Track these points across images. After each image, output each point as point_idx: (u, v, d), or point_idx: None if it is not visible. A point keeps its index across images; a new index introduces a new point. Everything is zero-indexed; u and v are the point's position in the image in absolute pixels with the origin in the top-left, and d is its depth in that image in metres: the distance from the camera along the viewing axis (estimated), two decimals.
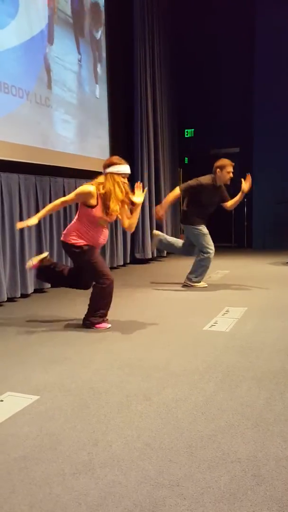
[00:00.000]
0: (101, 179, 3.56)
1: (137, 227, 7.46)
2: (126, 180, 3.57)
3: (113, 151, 6.69)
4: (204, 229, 5.19)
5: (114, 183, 3.49)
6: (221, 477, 1.66)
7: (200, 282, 5.26)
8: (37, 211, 5.15)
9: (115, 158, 3.60)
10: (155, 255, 7.92)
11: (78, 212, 3.63)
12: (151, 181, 7.75)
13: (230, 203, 5.21)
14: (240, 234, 9.66)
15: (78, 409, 2.23)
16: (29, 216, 4.98)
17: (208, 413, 2.16)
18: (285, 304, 4.37)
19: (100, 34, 6.82)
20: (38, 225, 5.19)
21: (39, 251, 5.17)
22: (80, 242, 3.56)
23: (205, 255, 5.16)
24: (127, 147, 7.39)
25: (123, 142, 7.52)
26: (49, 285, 5.27)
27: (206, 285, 5.26)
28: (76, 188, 3.92)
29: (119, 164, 3.53)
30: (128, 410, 2.21)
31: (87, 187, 3.50)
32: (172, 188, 8.77)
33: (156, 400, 2.32)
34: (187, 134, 9.95)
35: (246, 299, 4.58)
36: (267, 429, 2.00)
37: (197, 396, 2.35)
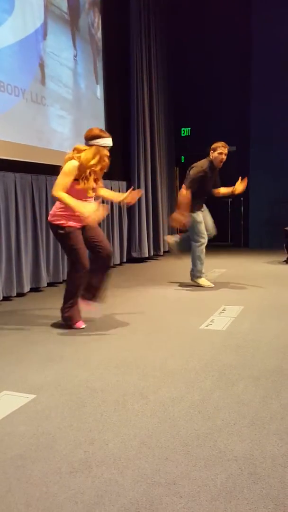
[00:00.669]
0: (83, 147, 3.48)
1: (133, 226, 7.50)
2: (107, 153, 3.53)
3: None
4: (199, 216, 5.12)
5: (98, 156, 3.44)
6: (217, 475, 1.67)
7: (201, 277, 5.25)
8: (33, 210, 5.15)
9: (98, 130, 3.53)
10: (151, 254, 7.92)
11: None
12: (147, 180, 7.75)
13: (221, 191, 5.15)
14: (236, 233, 9.67)
15: (75, 408, 2.23)
16: (25, 216, 4.98)
17: (204, 412, 2.16)
18: (281, 303, 4.38)
19: (97, 31, 6.80)
20: (34, 223, 5.18)
21: (35, 250, 5.17)
22: (65, 222, 3.48)
23: (196, 243, 5.13)
24: (124, 145, 7.38)
25: (119, 140, 7.49)
26: (45, 284, 5.27)
27: (213, 285, 5.21)
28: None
29: (104, 136, 3.49)
30: (124, 409, 2.21)
31: (73, 162, 3.42)
32: (169, 187, 8.84)
33: (152, 398, 2.32)
34: (183, 133, 9.95)
35: (243, 298, 4.59)
36: (263, 428, 2.01)
37: (193, 395, 2.35)
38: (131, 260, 7.50)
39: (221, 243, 9.47)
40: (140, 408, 2.22)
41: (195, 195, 5.06)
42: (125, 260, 7.39)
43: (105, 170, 3.63)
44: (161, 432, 1.99)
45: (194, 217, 5.09)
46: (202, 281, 5.23)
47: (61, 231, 3.51)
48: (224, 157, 5.02)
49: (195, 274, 5.25)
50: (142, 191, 3.68)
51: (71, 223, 3.51)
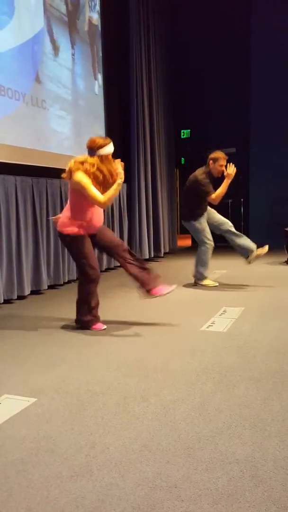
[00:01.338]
0: (91, 160, 3.47)
1: (134, 228, 7.50)
2: (110, 157, 3.55)
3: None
4: (203, 223, 5.19)
5: (109, 164, 3.46)
6: (219, 479, 1.66)
7: (206, 278, 5.29)
8: (34, 213, 5.15)
9: (101, 139, 3.53)
10: (152, 255, 7.92)
11: (70, 199, 3.55)
12: (147, 181, 7.76)
13: (214, 195, 5.14)
14: None
15: (76, 411, 2.23)
16: (26, 219, 4.99)
17: (205, 414, 2.16)
18: (282, 304, 4.37)
19: (95, 32, 6.81)
20: (35, 226, 5.18)
21: (36, 253, 5.16)
22: (73, 230, 3.50)
23: (203, 248, 5.22)
24: (124, 147, 7.39)
25: (119, 142, 7.50)
26: (46, 287, 5.27)
27: (217, 284, 5.27)
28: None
29: (108, 144, 3.50)
30: (125, 411, 2.21)
31: (80, 172, 3.41)
32: (169, 188, 8.83)
33: (153, 401, 2.31)
34: (183, 135, 9.96)
35: (244, 299, 4.58)
36: (264, 430, 2.00)
37: (194, 397, 2.35)
38: None
39: (221, 244, 9.45)
40: (141, 411, 2.21)
41: (197, 205, 5.17)
42: None
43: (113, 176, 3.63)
44: (162, 435, 1.98)
45: (197, 224, 5.16)
46: (206, 281, 5.28)
47: (70, 238, 3.52)
48: (223, 168, 5.09)
49: (198, 276, 5.29)
50: (119, 161, 3.64)
51: (81, 231, 3.52)
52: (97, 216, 3.60)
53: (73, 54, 6.21)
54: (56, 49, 5.80)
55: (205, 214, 5.23)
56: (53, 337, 3.48)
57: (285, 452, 1.82)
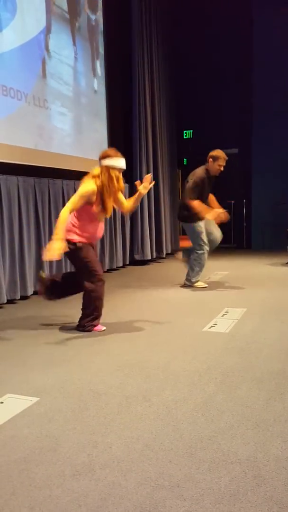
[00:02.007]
0: (96, 170, 3.48)
1: (136, 229, 7.50)
2: (121, 176, 3.52)
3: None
4: (201, 226, 5.17)
5: (109, 178, 3.43)
6: (221, 478, 1.66)
7: (198, 281, 5.27)
8: (36, 213, 5.16)
9: (112, 151, 3.50)
10: (154, 256, 7.92)
11: (78, 209, 3.53)
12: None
13: (195, 202, 5.03)
14: (239, 235, 9.67)
15: (78, 410, 2.23)
16: (28, 219, 5.00)
17: (208, 414, 2.16)
18: (284, 304, 4.37)
19: (97, 30, 6.82)
20: (37, 227, 5.19)
21: (38, 253, 5.17)
22: (77, 238, 3.50)
23: (199, 252, 5.17)
24: (126, 148, 7.40)
25: (121, 143, 7.52)
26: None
27: (206, 285, 5.27)
28: (75, 190, 3.88)
29: (115, 157, 3.45)
30: (127, 411, 2.21)
31: (91, 186, 3.41)
32: (172, 189, 8.83)
33: (155, 401, 2.32)
34: (185, 136, 9.97)
35: (246, 300, 4.58)
36: (267, 430, 2.00)
37: (196, 397, 2.35)
38: (134, 262, 7.50)
39: (223, 245, 9.44)
40: (143, 410, 2.22)
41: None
42: (128, 262, 7.40)
43: (122, 191, 3.64)
44: (164, 434, 1.99)
45: (196, 227, 5.14)
46: (197, 282, 5.27)
47: (72, 246, 3.49)
48: (222, 169, 5.08)
49: (190, 279, 5.27)
50: (153, 181, 3.66)
51: (83, 239, 3.52)
52: (100, 228, 3.64)
53: (74, 52, 6.22)
54: (57, 46, 5.80)
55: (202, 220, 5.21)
56: (56, 337, 3.49)
57: (287, 452, 1.83)
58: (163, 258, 8.27)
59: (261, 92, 8.85)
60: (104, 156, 3.47)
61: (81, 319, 3.63)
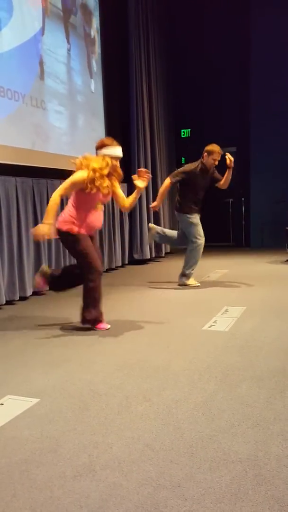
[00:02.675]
0: (89, 157, 3.47)
1: (134, 228, 7.50)
2: (118, 163, 3.55)
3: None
4: (196, 218, 5.20)
5: (105, 163, 3.43)
6: (222, 477, 1.66)
7: (191, 276, 5.26)
8: (35, 214, 5.15)
9: (108, 140, 3.54)
10: (153, 255, 7.92)
11: (72, 198, 3.55)
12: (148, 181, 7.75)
13: (222, 181, 5.19)
14: (238, 233, 9.67)
15: (78, 411, 2.23)
16: (27, 219, 4.99)
17: (208, 413, 2.16)
18: (284, 303, 4.37)
19: (93, 28, 6.80)
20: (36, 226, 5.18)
21: (37, 253, 5.17)
22: (75, 228, 3.49)
23: (194, 244, 5.18)
24: (124, 146, 7.38)
25: (119, 141, 7.50)
26: (47, 288, 5.26)
27: (199, 284, 5.26)
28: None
29: (112, 146, 3.49)
30: (128, 411, 2.21)
31: (82, 174, 3.40)
32: (170, 188, 8.81)
33: (156, 401, 2.32)
34: (183, 134, 9.95)
35: (245, 298, 4.58)
36: (267, 428, 2.00)
37: (197, 396, 2.35)
38: (133, 261, 7.50)
39: (222, 244, 9.48)
40: (143, 410, 2.21)
41: (185, 196, 5.19)
42: (126, 262, 7.40)
43: (119, 180, 3.66)
44: (165, 434, 1.98)
45: (191, 219, 5.14)
46: (190, 281, 5.26)
47: (71, 237, 3.50)
48: (216, 163, 5.13)
49: (185, 274, 5.26)
50: (150, 175, 3.69)
51: (81, 230, 3.52)
52: (98, 217, 3.62)
53: (68, 50, 6.21)
54: (53, 45, 5.79)
55: (198, 214, 5.23)
56: (55, 337, 3.49)
57: None
58: (162, 257, 8.28)
59: (259, 91, 8.85)
60: (100, 146, 3.49)
61: (81, 311, 3.62)
